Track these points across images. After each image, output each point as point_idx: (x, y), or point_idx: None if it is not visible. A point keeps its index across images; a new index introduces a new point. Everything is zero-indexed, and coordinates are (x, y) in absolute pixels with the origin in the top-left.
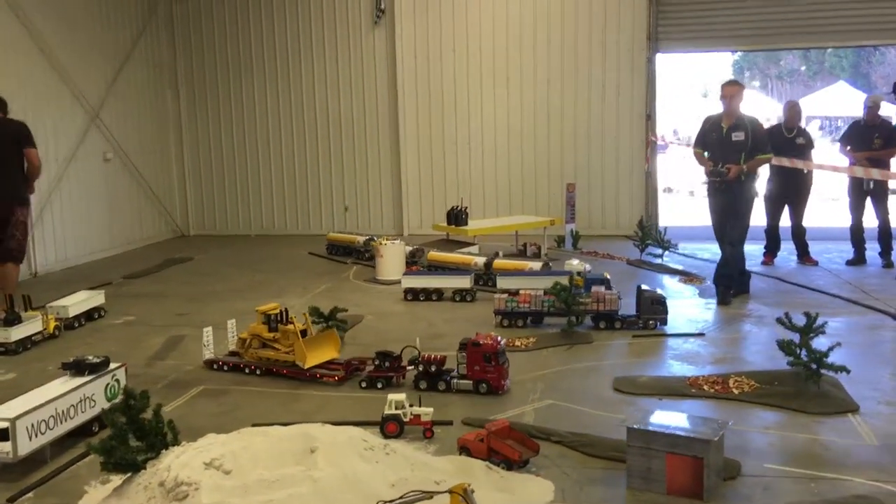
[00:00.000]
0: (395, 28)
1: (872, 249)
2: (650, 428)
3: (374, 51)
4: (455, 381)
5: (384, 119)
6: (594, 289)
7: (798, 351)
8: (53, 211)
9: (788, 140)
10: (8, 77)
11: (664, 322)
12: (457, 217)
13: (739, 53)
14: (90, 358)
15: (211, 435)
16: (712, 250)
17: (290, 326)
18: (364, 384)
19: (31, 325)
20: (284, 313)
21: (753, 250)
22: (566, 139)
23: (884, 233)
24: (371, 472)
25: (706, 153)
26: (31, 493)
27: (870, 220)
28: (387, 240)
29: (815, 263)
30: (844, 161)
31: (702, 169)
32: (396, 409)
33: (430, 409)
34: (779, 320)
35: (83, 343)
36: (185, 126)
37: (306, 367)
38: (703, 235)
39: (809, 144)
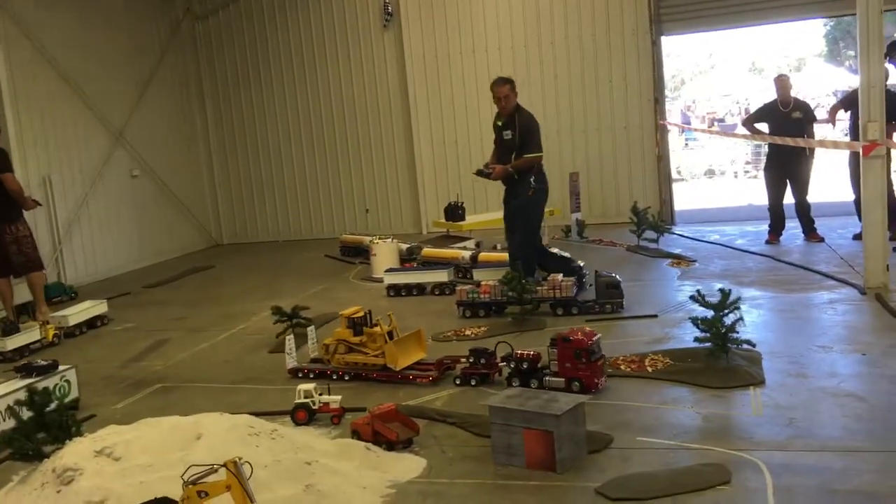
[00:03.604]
0: (403, 31)
1: None
2: (508, 405)
3: (384, 54)
4: (548, 378)
5: (398, 122)
6: (550, 276)
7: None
8: (82, 227)
9: (784, 115)
10: (30, 104)
11: (620, 306)
12: (453, 212)
13: (832, 22)
14: (39, 362)
15: (112, 426)
16: (727, 231)
17: (377, 329)
18: (458, 381)
19: (28, 335)
20: (369, 316)
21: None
22: (577, 130)
23: (891, 205)
24: (245, 455)
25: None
26: None
27: None
28: (380, 239)
29: (821, 240)
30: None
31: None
32: (305, 398)
33: (339, 397)
34: (692, 297)
35: (77, 349)
36: (212, 140)
37: (398, 368)
38: (733, 216)
39: (808, 118)
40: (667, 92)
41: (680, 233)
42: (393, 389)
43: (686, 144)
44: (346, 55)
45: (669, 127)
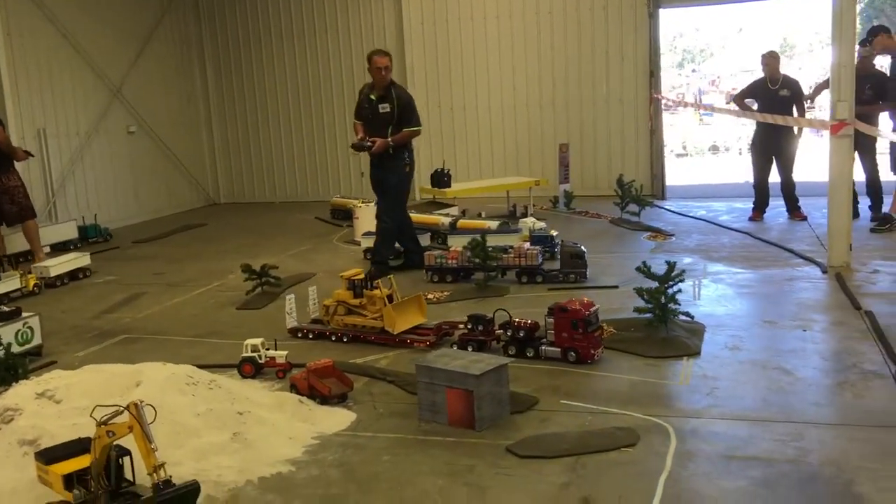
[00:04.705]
0: None
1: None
2: (433, 364)
3: (383, 20)
4: (544, 348)
5: None
6: (516, 245)
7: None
8: (76, 182)
9: (772, 93)
10: (27, 57)
11: (584, 276)
12: (439, 179)
13: (865, 0)
14: (3, 308)
15: (56, 371)
16: (715, 207)
17: (377, 292)
18: (455, 347)
19: (8, 284)
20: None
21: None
22: (571, 101)
23: (872, 186)
24: (180, 403)
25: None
26: None
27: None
28: (363, 202)
29: (804, 218)
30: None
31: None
32: (252, 352)
33: (285, 352)
34: (637, 269)
35: (55, 299)
36: (212, 99)
37: (396, 332)
38: (726, 192)
39: (797, 96)
40: (693, 66)
41: (667, 207)
42: (335, 347)
43: (701, 120)
44: (346, 20)
45: (664, 101)
